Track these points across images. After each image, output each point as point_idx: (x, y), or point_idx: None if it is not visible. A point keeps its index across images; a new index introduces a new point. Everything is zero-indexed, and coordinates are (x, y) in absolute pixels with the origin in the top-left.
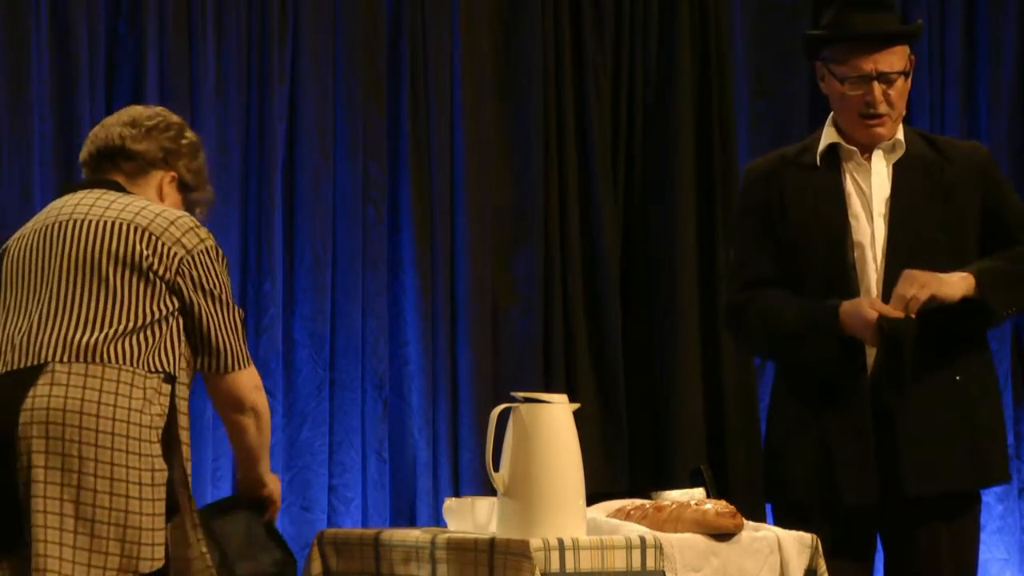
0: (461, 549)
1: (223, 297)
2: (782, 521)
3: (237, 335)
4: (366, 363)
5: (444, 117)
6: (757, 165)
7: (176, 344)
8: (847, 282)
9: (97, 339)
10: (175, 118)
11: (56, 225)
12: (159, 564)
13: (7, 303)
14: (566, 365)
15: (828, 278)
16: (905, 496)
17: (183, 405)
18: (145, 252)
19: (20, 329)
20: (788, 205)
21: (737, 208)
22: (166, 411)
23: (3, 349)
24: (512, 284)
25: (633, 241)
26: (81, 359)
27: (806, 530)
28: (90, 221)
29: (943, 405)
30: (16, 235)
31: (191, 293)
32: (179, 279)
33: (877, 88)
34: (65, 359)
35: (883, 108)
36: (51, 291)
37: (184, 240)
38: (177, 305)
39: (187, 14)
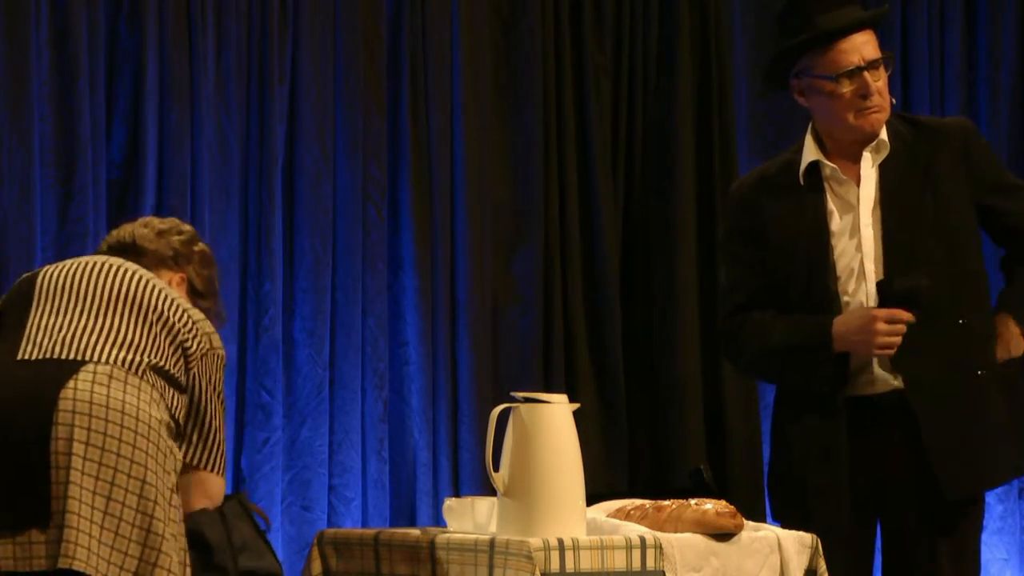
0: (461, 549)
1: (221, 407)
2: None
3: (224, 443)
4: (366, 363)
5: (444, 117)
6: (738, 188)
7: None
8: (831, 307)
9: (136, 359)
10: (187, 227)
11: (104, 264)
12: None
13: (42, 305)
14: (566, 365)
15: (812, 303)
16: (947, 501)
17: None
18: (178, 325)
19: (60, 327)
20: (769, 232)
21: (723, 229)
22: None
23: (37, 337)
24: (512, 284)
25: (633, 241)
26: (120, 367)
27: (807, 529)
28: (137, 274)
29: (964, 402)
30: (53, 265)
31: (206, 385)
32: (201, 367)
33: (869, 76)
34: (106, 362)
35: (877, 99)
36: (94, 312)
37: (212, 338)
38: (186, 384)
39: (187, 14)
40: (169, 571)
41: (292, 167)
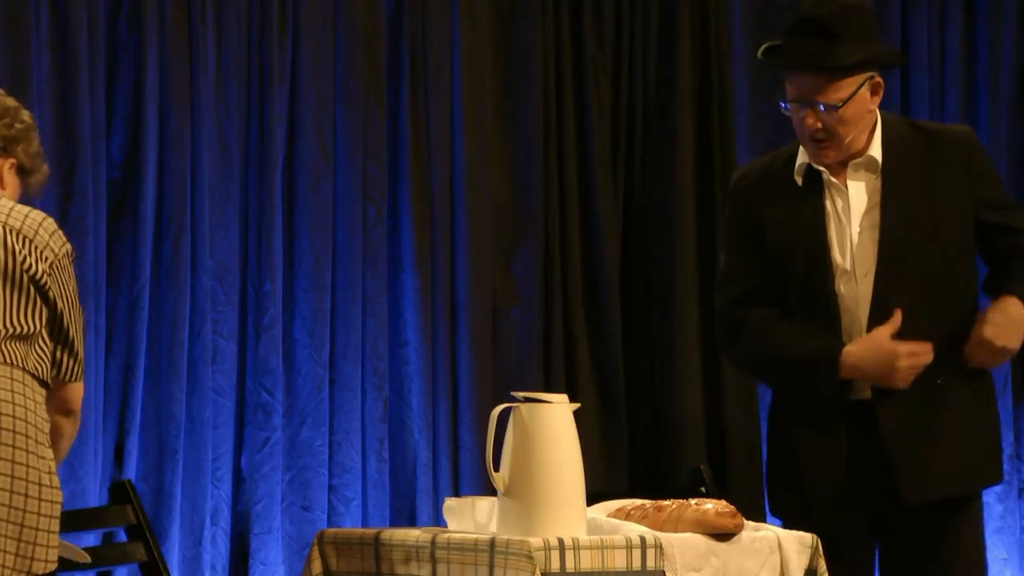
0: (461, 549)
1: (78, 305)
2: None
3: (81, 348)
4: (366, 363)
5: (444, 117)
6: (742, 179)
7: (49, 356)
8: (829, 310)
9: None
10: (9, 102)
11: None
12: (52, 567)
13: None
14: (566, 365)
15: (811, 305)
16: (906, 504)
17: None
18: (21, 252)
19: None
20: (768, 230)
21: (726, 215)
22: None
23: None
24: (512, 284)
25: (633, 241)
26: None
27: (806, 530)
28: None
29: (926, 410)
30: None
31: (59, 299)
32: (50, 283)
33: (809, 115)
34: None
35: (820, 135)
36: None
37: (52, 244)
38: (47, 315)
39: (187, 14)
40: (45, 562)
41: (292, 167)
